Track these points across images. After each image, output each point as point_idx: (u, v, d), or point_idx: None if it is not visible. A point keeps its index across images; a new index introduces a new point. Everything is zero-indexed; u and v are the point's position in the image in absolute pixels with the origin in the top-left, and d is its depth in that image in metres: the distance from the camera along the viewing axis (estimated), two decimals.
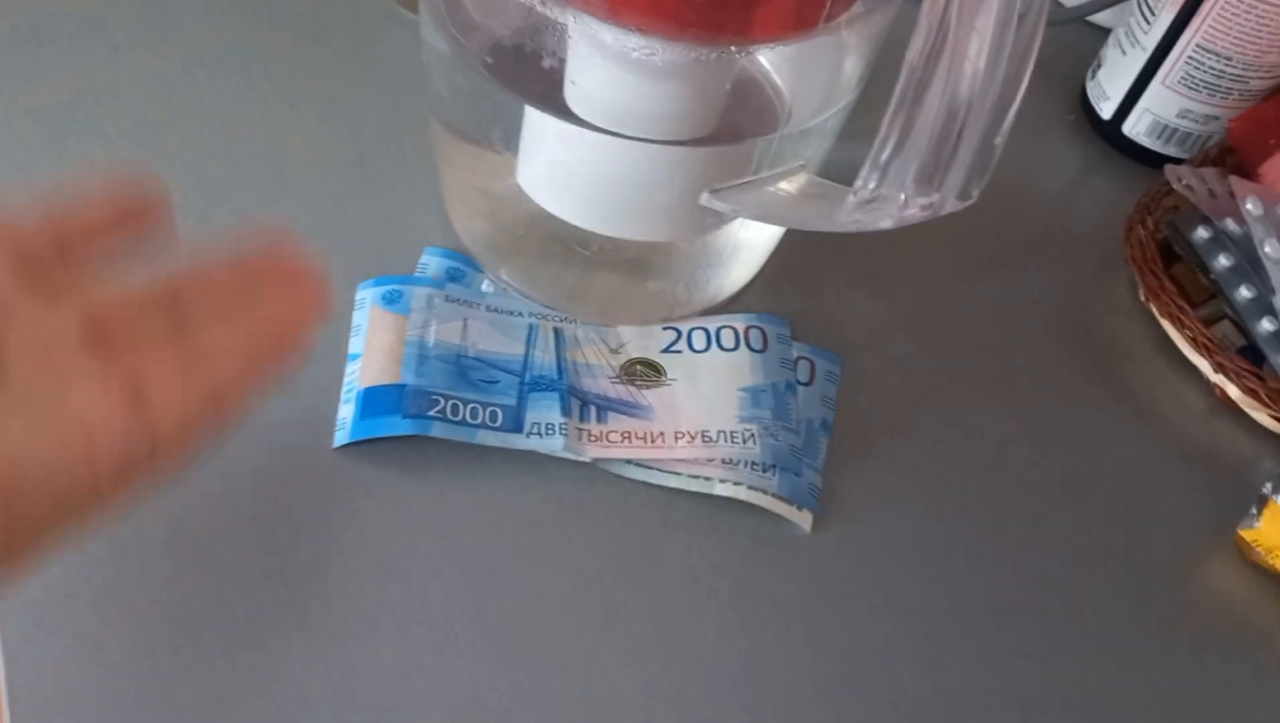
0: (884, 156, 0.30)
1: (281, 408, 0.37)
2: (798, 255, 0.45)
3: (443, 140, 0.41)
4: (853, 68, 0.37)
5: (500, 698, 0.32)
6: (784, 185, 0.37)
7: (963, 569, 0.38)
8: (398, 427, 0.36)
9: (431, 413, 0.36)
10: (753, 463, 0.38)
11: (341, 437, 0.37)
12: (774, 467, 0.38)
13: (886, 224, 0.31)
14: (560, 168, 0.37)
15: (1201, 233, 0.46)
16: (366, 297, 0.40)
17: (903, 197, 0.30)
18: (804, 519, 0.38)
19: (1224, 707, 0.36)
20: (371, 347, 0.38)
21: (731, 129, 0.36)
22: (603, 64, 0.33)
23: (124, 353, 0.24)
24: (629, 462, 0.38)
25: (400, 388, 0.37)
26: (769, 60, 0.39)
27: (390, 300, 0.39)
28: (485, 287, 0.42)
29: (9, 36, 0.46)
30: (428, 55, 0.38)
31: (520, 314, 0.41)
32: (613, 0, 0.30)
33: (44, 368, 0.23)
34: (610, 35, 0.32)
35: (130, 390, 0.24)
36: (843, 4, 0.31)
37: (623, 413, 0.39)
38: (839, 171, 0.35)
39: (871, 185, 0.31)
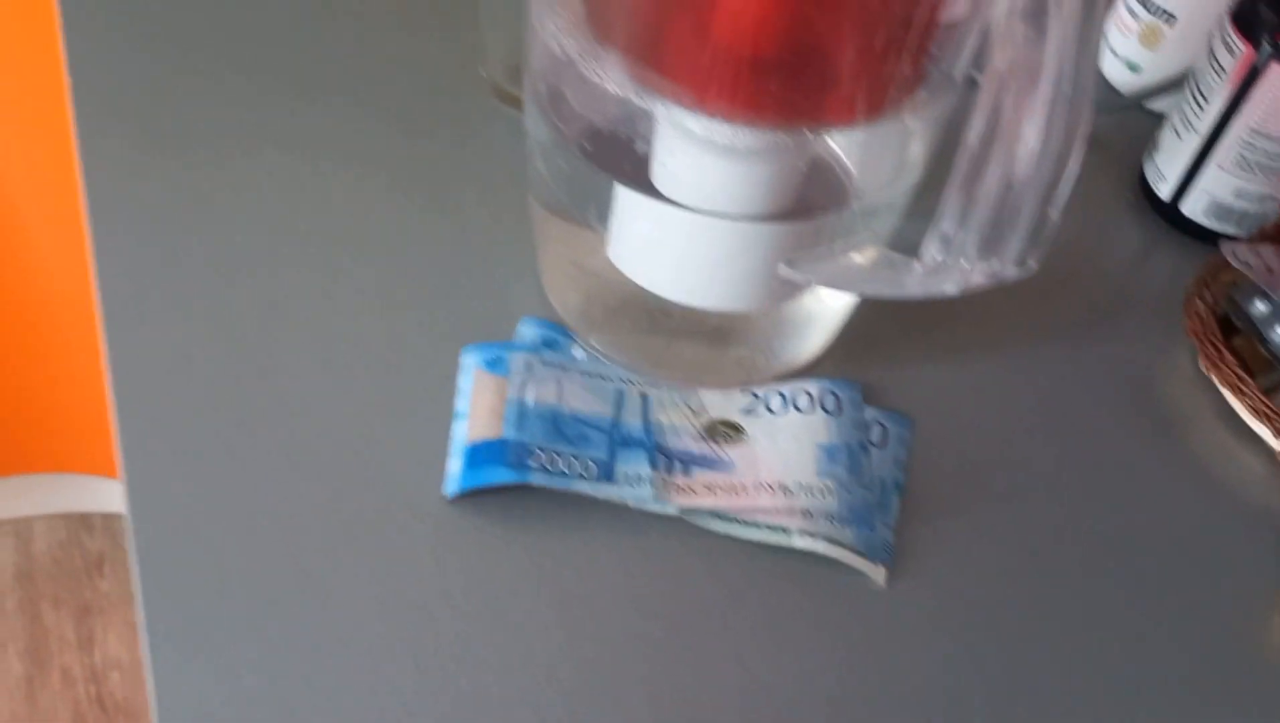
0: (946, 228, 0.33)
1: (393, 462, 0.41)
2: (869, 326, 0.48)
3: (541, 219, 0.45)
4: (917, 150, 0.41)
5: None
6: (855, 257, 0.40)
7: (1031, 628, 0.40)
8: (501, 476, 0.39)
9: (530, 463, 0.40)
10: (830, 515, 0.40)
11: (451, 486, 0.40)
12: (849, 521, 0.40)
13: (951, 290, 0.33)
14: (649, 243, 0.41)
15: (1259, 306, 0.48)
16: (470, 361, 0.43)
17: (965, 264, 0.33)
18: (878, 573, 0.40)
19: None
20: (476, 406, 0.42)
21: (805, 205, 0.40)
22: (688, 147, 0.37)
23: None
24: (713, 515, 0.41)
25: (503, 442, 0.40)
26: (838, 143, 0.43)
27: (492, 365, 0.43)
28: (577, 353, 0.45)
29: (155, 137, 0.51)
30: (530, 143, 0.42)
31: (610, 379, 0.44)
32: (699, 91, 0.34)
33: None
34: (695, 122, 0.36)
35: None
36: (906, 92, 0.35)
37: (706, 467, 0.42)
38: (906, 247, 0.38)
39: (936, 255, 0.34)
